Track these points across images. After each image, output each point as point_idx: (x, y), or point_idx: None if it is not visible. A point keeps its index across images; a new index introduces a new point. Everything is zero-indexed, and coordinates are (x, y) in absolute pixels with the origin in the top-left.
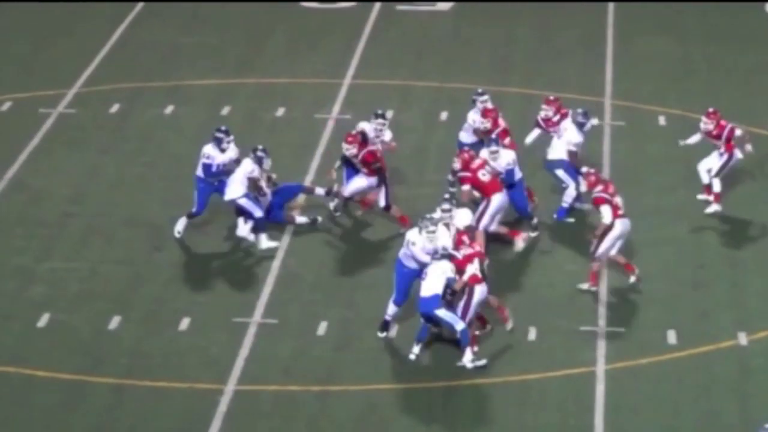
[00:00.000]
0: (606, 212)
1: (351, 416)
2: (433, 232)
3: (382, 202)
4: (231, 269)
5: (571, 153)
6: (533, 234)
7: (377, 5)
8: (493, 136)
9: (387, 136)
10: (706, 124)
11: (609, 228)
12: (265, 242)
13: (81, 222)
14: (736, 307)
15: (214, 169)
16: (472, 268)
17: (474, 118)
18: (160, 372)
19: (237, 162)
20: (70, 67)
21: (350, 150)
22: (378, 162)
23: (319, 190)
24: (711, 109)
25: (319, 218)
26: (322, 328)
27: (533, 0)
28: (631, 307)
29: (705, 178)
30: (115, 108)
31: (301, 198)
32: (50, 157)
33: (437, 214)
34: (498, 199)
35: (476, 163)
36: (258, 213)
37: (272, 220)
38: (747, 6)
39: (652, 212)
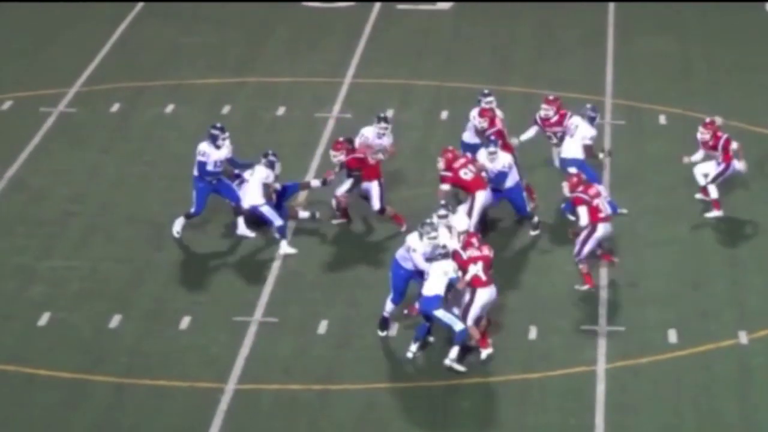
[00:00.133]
0: (583, 213)
1: (351, 415)
2: (435, 237)
3: (376, 206)
4: (231, 268)
5: (586, 147)
6: (534, 233)
7: (377, 4)
8: (492, 137)
9: (387, 141)
10: (703, 134)
11: (592, 231)
12: (285, 248)
13: (81, 221)
14: (736, 306)
15: (209, 167)
16: (475, 269)
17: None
18: (161, 371)
19: (230, 162)
20: (71, 66)
21: (338, 157)
22: (359, 169)
23: (315, 182)
24: (708, 120)
25: (317, 213)
26: (322, 326)
27: (534, 0)
28: (631, 306)
29: (701, 181)
30: (115, 107)
31: (302, 194)
32: (51, 156)
33: (434, 219)
34: (483, 195)
35: (459, 162)
36: (278, 222)
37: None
38: (747, 6)
39: (652, 211)
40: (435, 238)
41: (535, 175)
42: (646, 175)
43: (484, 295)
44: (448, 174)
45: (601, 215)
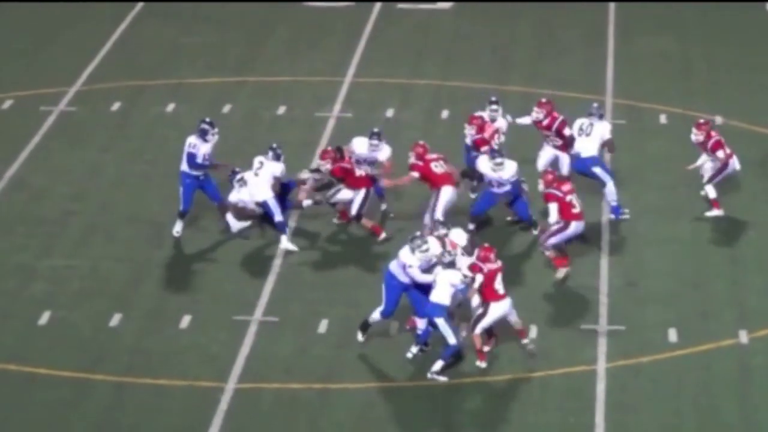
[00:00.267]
0: (553, 210)
1: (352, 414)
2: (427, 250)
3: (353, 211)
4: (232, 267)
5: (609, 142)
6: (536, 231)
7: (378, 4)
8: (495, 145)
9: (383, 155)
10: (697, 135)
11: (564, 227)
12: (286, 243)
13: (82, 220)
14: (736, 306)
15: (198, 159)
16: (496, 283)
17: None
18: (161, 370)
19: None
20: (72, 65)
21: (325, 166)
22: (343, 179)
23: (305, 174)
24: (701, 120)
25: (319, 197)
26: (322, 326)
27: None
28: (631, 305)
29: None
30: (116, 106)
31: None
32: (51, 155)
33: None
34: (448, 191)
35: (431, 156)
36: (279, 217)
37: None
38: (747, 5)
39: (652, 210)
40: (427, 250)
41: (533, 175)
42: (647, 174)
43: (500, 308)
44: (419, 163)
45: (575, 211)
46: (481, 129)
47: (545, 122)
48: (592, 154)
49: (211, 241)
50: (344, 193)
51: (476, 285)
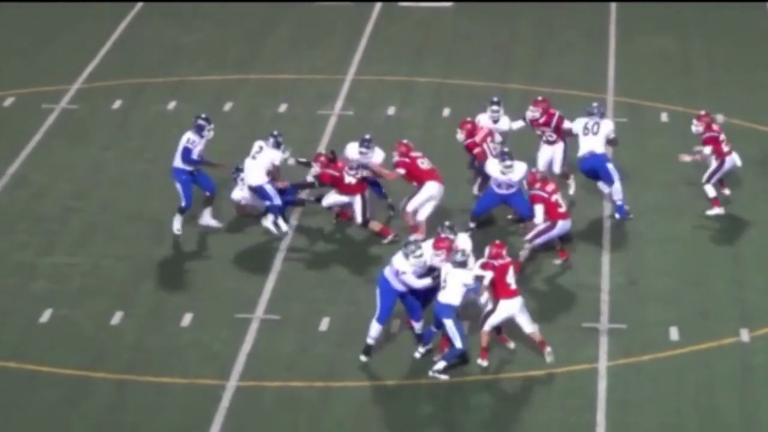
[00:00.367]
0: (539, 212)
1: (352, 412)
2: (420, 256)
3: (358, 219)
4: (233, 265)
5: (614, 139)
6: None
7: (379, 2)
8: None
9: (377, 159)
10: (697, 126)
11: (551, 227)
12: (268, 222)
13: (83, 217)
14: (738, 304)
15: (194, 155)
16: (509, 278)
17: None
18: (162, 367)
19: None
20: (73, 63)
21: (314, 169)
22: (332, 185)
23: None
24: (703, 112)
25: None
26: (324, 324)
27: None
28: (633, 303)
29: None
30: (117, 104)
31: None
32: (52, 153)
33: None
34: (432, 187)
35: (416, 153)
36: (277, 201)
37: (287, 204)
38: (747, 4)
39: (653, 209)
40: (420, 255)
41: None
42: (648, 172)
43: (510, 306)
44: (406, 160)
45: (561, 210)
46: (471, 133)
47: (542, 120)
48: (603, 150)
49: (213, 239)
50: (336, 197)
51: (486, 282)
